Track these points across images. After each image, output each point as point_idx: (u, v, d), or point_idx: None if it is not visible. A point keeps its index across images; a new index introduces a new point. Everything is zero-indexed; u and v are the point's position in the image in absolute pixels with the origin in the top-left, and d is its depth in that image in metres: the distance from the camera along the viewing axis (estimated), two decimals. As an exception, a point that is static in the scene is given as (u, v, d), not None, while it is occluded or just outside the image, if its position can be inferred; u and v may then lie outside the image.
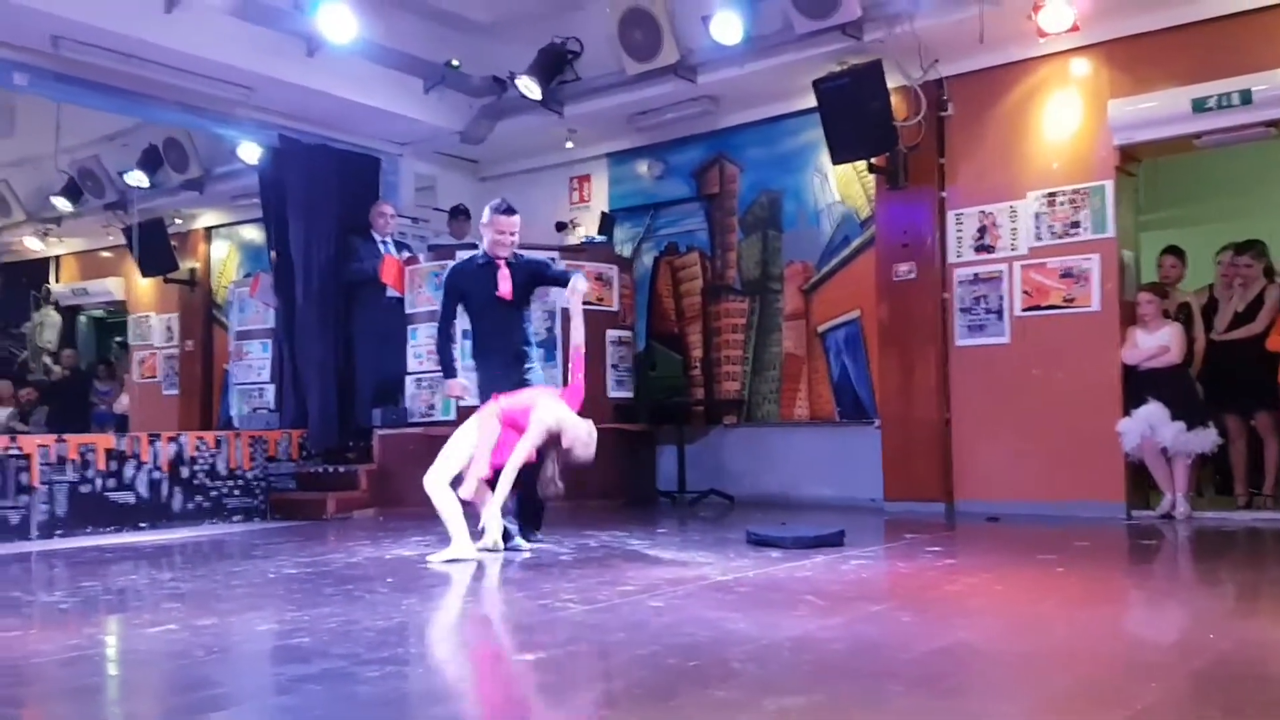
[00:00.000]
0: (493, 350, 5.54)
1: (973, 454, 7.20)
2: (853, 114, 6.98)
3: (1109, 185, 6.77)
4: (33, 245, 11.50)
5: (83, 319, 12.18)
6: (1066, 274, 6.89)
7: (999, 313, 7.14)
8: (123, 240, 10.53)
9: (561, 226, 9.39)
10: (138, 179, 9.70)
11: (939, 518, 7.00)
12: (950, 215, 7.35)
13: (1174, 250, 7.23)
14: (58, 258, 11.92)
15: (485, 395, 5.36)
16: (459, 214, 9.05)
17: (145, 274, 10.70)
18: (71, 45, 6.64)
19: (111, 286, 11.46)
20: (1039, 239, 7.00)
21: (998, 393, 7.11)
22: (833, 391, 8.14)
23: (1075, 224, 6.87)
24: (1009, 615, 3.65)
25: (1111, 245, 6.76)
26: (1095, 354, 6.77)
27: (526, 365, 5.59)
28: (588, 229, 9.25)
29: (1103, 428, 6.61)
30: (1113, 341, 6.73)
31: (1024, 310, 7.05)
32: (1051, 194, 6.96)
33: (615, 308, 8.36)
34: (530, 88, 8.08)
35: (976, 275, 7.23)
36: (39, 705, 2.81)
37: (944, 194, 7.36)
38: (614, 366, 8.30)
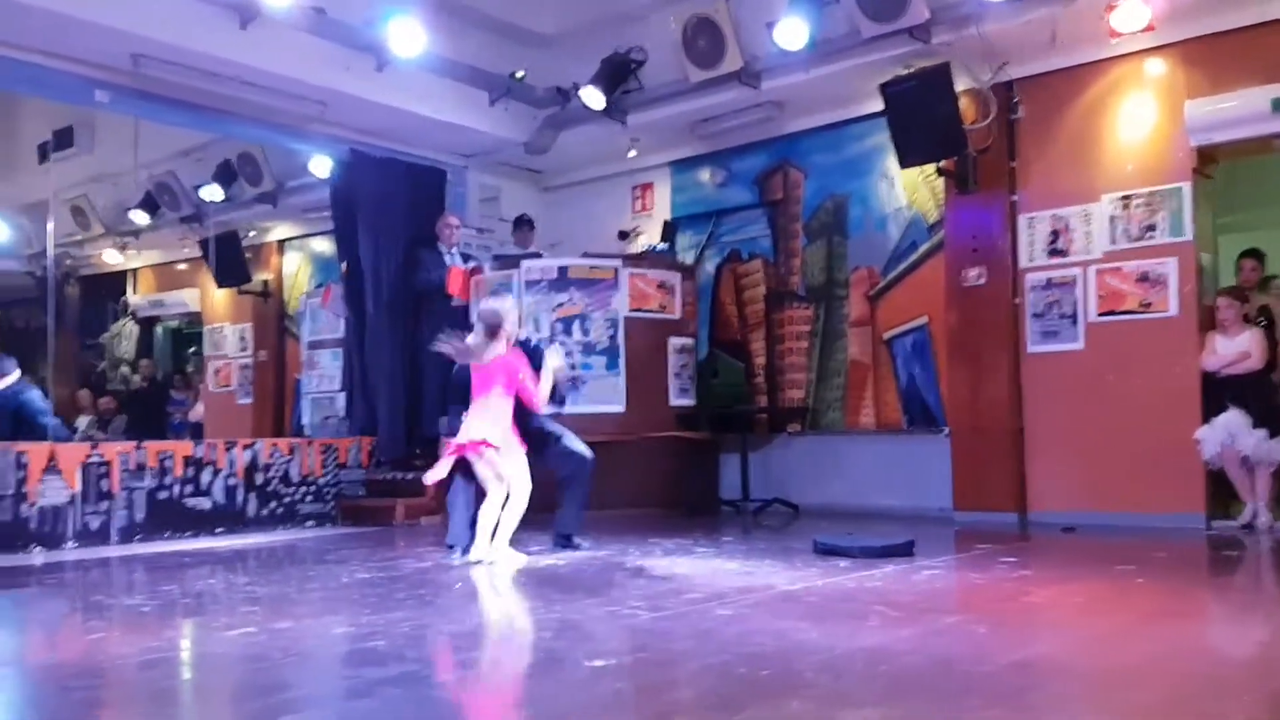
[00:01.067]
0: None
1: (1046, 463, 7.05)
2: (920, 117, 6.90)
3: (1186, 187, 6.59)
4: (111, 258, 11.82)
5: (159, 330, 12.49)
6: (1143, 278, 6.73)
7: (1073, 318, 6.99)
8: (198, 253, 10.79)
9: (624, 235, 9.41)
10: (213, 193, 9.93)
11: (1012, 528, 6.86)
12: (1022, 219, 7.22)
13: (1254, 253, 7.02)
14: (135, 270, 12.23)
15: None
16: (523, 224, 9.13)
17: (220, 285, 10.95)
18: (151, 63, 6.83)
19: (187, 298, 11.74)
20: (1114, 243, 6.84)
21: (1072, 400, 6.95)
22: (900, 399, 8.03)
23: (1151, 227, 6.71)
24: (1088, 628, 3.57)
25: (1189, 249, 6.59)
26: (1173, 360, 6.60)
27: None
28: (650, 237, 9.26)
29: (1181, 436, 6.43)
30: (1191, 347, 6.56)
31: (1099, 315, 6.89)
32: (1126, 197, 6.80)
33: (678, 315, 8.36)
34: (594, 98, 8.13)
35: (1049, 280, 7.09)
36: (121, 707, 2.88)
37: (1015, 197, 7.24)
38: (676, 375, 8.29)
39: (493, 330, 5.44)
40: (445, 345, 5.40)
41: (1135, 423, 6.67)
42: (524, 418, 5.58)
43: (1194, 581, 4.85)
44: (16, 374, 7.97)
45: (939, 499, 7.45)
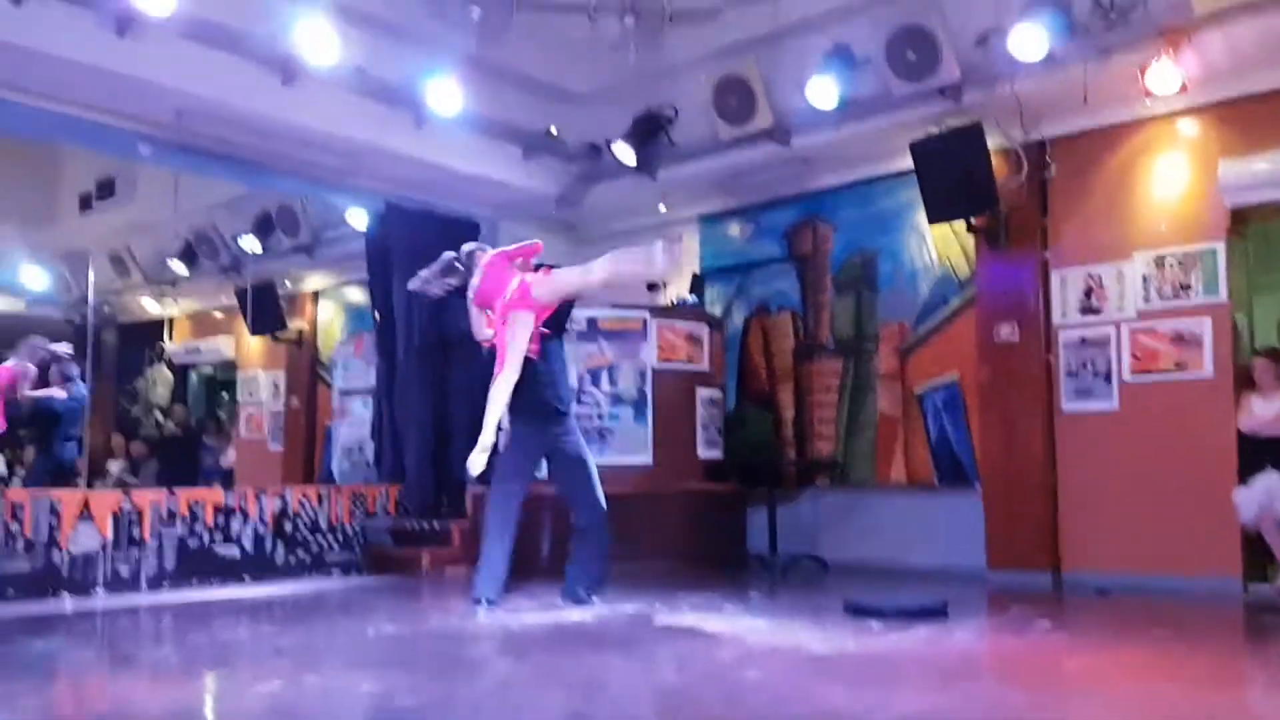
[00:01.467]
0: None
1: (1080, 522, 6.96)
2: (951, 175, 6.92)
3: (1220, 247, 6.56)
4: (149, 306, 12.03)
5: (194, 376, 12.66)
6: (1177, 338, 6.67)
7: (1107, 377, 6.93)
8: (234, 301, 10.95)
9: (653, 287, 9.42)
10: (251, 243, 10.10)
11: (1045, 588, 6.76)
12: (1054, 276, 7.19)
13: (1293, 315, 6.96)
14: (172, 318, 12.43)
15: None
16: (553, 276, 9.20)
17: (255, 333, 11.08)
18: (194, 118, 6.98)
19: (222, 345, 11.90)
20: (1147, 302, 6.80)
21: (1106, 459, 6.87)
22: (931, 454, 7.96)
23: (1185, 286, 6.67)
24: (1126, 696, 3.50)
25: (1224, 309, 6.54)
26: (1208, 420, 6.51)
27: None
28: (679, 289, 9.29)
29: (1217, 497, 6.32)
30: (1226, 408, 6.47)
31: (1133, 375, 6.83)
32: (1160, 256, 6.77)
33: (706, 367, 8.36)
34: (625, 153, 8.22)
35: (1083, 338, 7.04)
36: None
37: (1047, 254, 7.21)
38: (704, 426, 8.27)
39: (449, 266, 5.54)
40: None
41: (1170, 483, 6.58)
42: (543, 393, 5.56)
43: (1232, 648, 4.76)
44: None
45: (971, 557, 7.35)
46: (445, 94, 7.41)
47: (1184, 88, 6.34)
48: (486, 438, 5.35)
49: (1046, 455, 7.09)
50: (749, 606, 5.76)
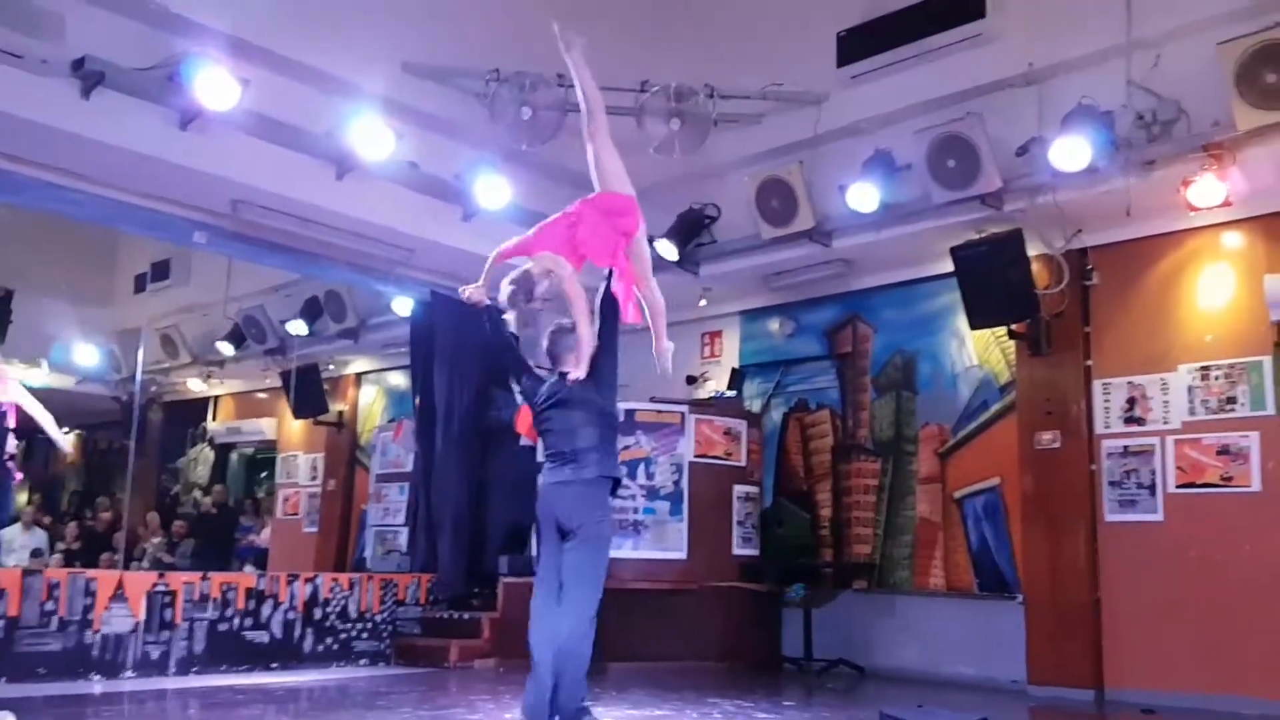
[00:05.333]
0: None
1: (1125, 638, 6.76)
2: (992, 281, 6.93)
3: (1267, 361, 6.47)
4: (195, 386, 12.24)
5: (234, 456, 12.80)
6: (1223, 451, 6.55)
7: (1151, 488, 6.80)
8: (278, 383, 11.13)
9: (692, 380, 9.47)
10: (298, 328, 10.29)
11: (1088, 706, 6.55)
12: (1097, 385, 7.12)
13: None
14: (216, 398, 12.64)
15: None
16: (593, 367, 9.25)
17: (298, 416, 11.22)
18: (249, 209, 7.20)
19: (264, 426, 12.05)
20: (1192, 413, 6.70)
21: (1152, 573, 6.70)
22: (971, 562, 7.80)
23: (1231, 399, 6.57)
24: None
25: (1273, 423, 6.42)
26: (1257, 536, 6.36)
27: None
28: (718, 384, 9.30)
29: (1266, 616, 6.15)
30: (1276, 524, 6.31)
31: (1178, 487, 6.70)
32: (1205, 368, 6.69)
33: (743, 463, 8.31)
34: (668, 250, 8.33)
35: (1126, 448, 6.93)
36: None
37: (1089, 362, 7.16)
38: (740, 523, 8.19)
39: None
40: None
41: (1218, 600, 6.40)
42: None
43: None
44: None
45: (1012, 670, 7.14)
46: (494, 189, 7.60)
47: (1227, 202, 6.34)
48: (667, 342, 4.88)
49: (1089, 567, 6.93)
50: (783, 715, 5.62)
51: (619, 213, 4.71)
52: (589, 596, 4.49)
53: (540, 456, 4.97)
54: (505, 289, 4.68)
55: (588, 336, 4.48)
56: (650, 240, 8.47)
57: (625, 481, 7.82)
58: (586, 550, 4.52)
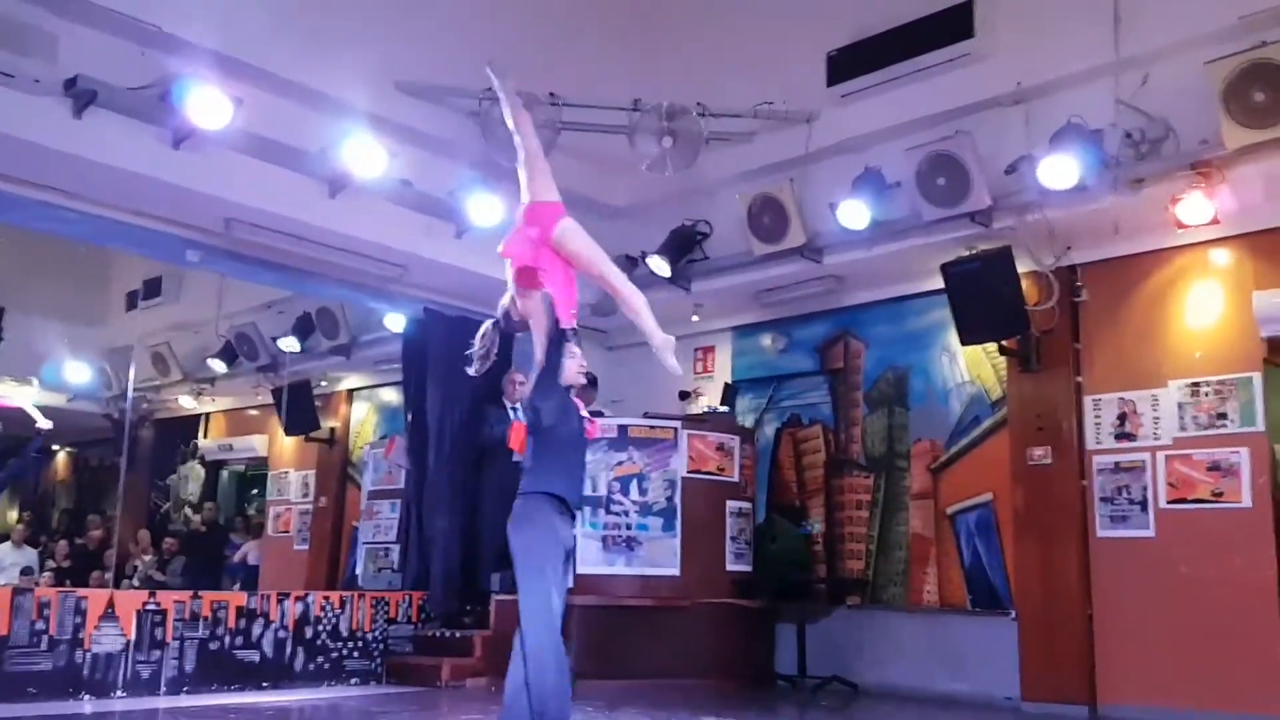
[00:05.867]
0: None
1: (1118, 654, 6.77)
2: (982, 297, 6.97)
3: (1256, 377, 6.51)
4: (186, 403, 12.18)
5: (225, 473, 12.73)
6: (1214, 467, 6.58)
7: (1143, 504, 6.82)
8: (270, 400, 11.08)
9: (685, 396, 9.48)
10: (290, 344, 10.26)
11: (1081, 723, 6.55)
12: (1087, 400, 7.15)
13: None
14: (208, 415, 12.58)
15: None
16: (586, 383, 9.25)
17: (289, 433, 11.17)
18: (242, 227, 7.20)
19: (256, 443, 11.98)
20: (1183, 429, 6.73)
21: (1143, 588, 6.72)
22: (964, 577, 7.80)
23: (1222, 415, 6.60)
24: None
25: (1262, 440, 6.46)
26: (1248, 552, 6.38)
27: None
28: (710, 399, 9.30)
29: (1257, 632, 6.17)
30: (1266, 540, 6.34)
31: (1169, 503, 6.72)
32: (1195, 384, 6.73)
33: (736, 478, 8.30)
34: (660, 266, 8.36)
35: (1117, 464, 6.96)
36: None
37: (1079, 378, 7.19)
38: (733, 539, 8.17)
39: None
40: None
41: (1210, 615, 6.41)
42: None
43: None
44: None
45: (1005, 686, 7.15)
46: (487, 207, 7.61)
47: (1216, 219, 6.39)
48: (661, 336, 4.54)
49: (1082, 582, 6.95)
50: (775, 734, 5.62)
51: (528, 224, 4.58)
52: (524, 624, 4.02)
53: None
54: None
55: (539, 358, 4.43)
56: (643, 256, 8.55)
57: (618, 497, 7.85)
58: (516, 572, 4.16)
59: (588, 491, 7.74)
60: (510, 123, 4.72)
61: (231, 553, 11.27)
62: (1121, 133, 6.35)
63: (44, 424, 8.02)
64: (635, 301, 4.45)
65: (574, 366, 4.42)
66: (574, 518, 4.36)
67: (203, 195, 6.77)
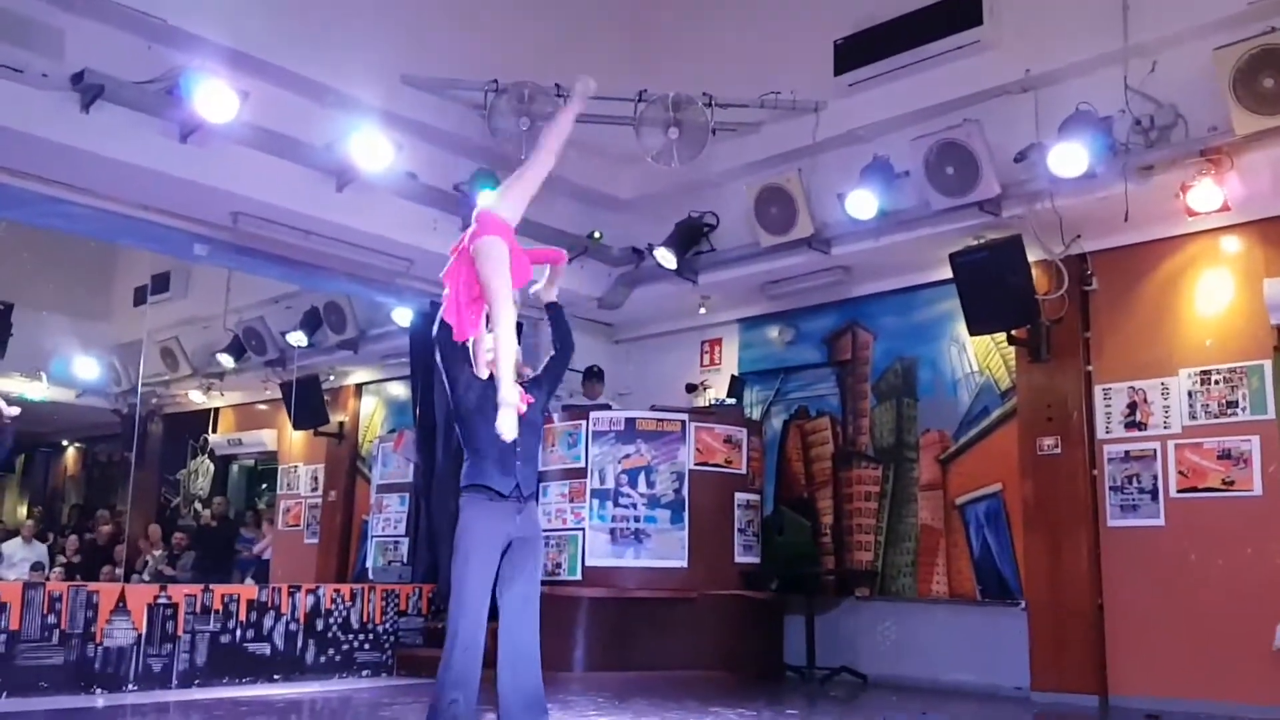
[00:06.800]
0: None
1: (1128, 643, 6.75)
2: (991, 287, 6.94)
3: (1268, 365, 6.47)
4: (195, 398, 12.22)
5: (235, 468, 12.78)
6: (1225, 455, 6.55)
7: (1153, 493, 6.80)
8: (279, 394, 11.11)
9: (692, 388, 9.48)
10: (298, 339, 10.29)
11: (1092, 713, 6.54)
12: (1097, 390, 7.12)
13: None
14: (217, 409, 12.62)
15: None
16: (592, 375, 9.24)
17: (298, 427, 11.20)
18: (250, 221, 7.19)
19: (265, 438, 12.03)
20: (1194, 418, 6.70)
21: (1154, 578, 6.70)
22: (973, 568, 7.79)
23: (1232, 404, 6.57)
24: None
25: (1272, 427, 6.42)
26: (1258, 540, 6.35)
27: None
28: (718, 391, 9.30)
29: (1269, 620, 6.15)
30: (1277, 528, 6.31)
31: (1180, 491, 6.70)
32: (1205, 372, 6.70)
33: (743, 471, 8.29)
34: (667, 258, 8.35)
35: (1127, 453, 6.93)
36: None
37: (1089, 368, 7.16)
38: (741, 531, 8.17)
39: None
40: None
41: (1221, 604, 6.39)
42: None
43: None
44: None
45: (1015, 676, 7.14)
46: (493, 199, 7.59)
47: (1226, 206, 6.35)
48: (512, 393, 4.30)
49: (1092, 572, 6.93)
50: (785, 724, 5.61)
51: (478, 225, 4.57)
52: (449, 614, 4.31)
53: None
54: None
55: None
56: (649, 248, 8.54)
57: (626, 489, 7.84)
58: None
59: (595, 484, 7.83)
60: (547, 136, 4.86)
61: (244, 547, 11.31)
62: (1131, 120, 6.32)
63: (11, 411, 7.92)
64: (502, 348, 4.34)
65: (484, 357, 4.46)
66: (520, 503, 4.45)
67: (210, 189, 6.76)
